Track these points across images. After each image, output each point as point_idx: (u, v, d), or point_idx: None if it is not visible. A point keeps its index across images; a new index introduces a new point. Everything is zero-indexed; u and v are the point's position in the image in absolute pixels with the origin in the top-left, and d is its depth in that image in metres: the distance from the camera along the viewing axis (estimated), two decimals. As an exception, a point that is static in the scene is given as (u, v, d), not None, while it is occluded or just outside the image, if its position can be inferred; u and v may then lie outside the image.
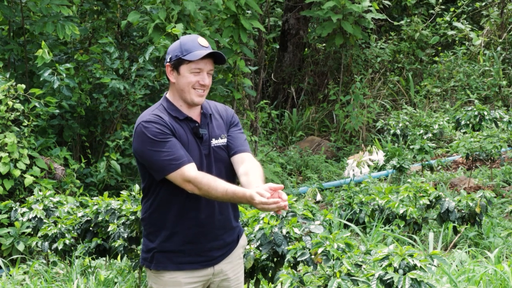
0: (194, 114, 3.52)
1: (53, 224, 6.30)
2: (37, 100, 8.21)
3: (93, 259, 6.55)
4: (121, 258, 6.20)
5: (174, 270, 3.48)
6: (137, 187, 5.90)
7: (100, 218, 5.88)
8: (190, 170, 3.33)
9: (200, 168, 3.42)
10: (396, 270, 3.93)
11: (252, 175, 3.40)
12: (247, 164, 3.47)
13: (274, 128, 13.24)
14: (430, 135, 10.57)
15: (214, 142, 3.51)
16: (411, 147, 10.21)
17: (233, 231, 3.61)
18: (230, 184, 3.32)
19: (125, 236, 5.54)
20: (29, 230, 7.08)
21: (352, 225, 6.89)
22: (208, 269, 3.54)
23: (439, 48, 15.75)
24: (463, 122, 10.08)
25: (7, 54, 9.31)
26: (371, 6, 12.74)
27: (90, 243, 5.99)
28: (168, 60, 3.47)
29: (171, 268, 3.48)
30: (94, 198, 6.19)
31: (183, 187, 3.34)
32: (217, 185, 3.29)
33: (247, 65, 11.41)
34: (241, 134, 3.62)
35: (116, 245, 5.53)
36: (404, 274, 3.90)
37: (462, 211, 6.92)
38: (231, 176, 3.54)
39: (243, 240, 3.71)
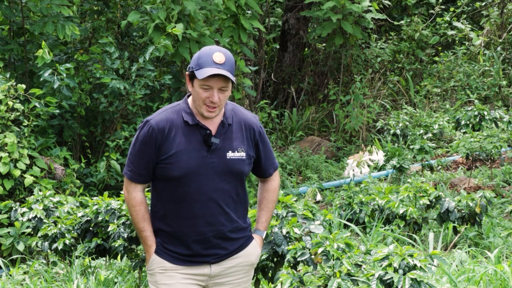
0: (211, 121, 3.49)
1: (53, 224, 6.30)
2: (37, 100, 8.21)
3: (93, 259, 6.55)
4: (121, 258, 6.20)
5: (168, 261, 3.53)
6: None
7: (100, 218, 5.88)
8: (135, 189, 3.52)
9: (198, 175, 3.43)
10: (396, 270, 3.93)
11: (261, 209, 3.71)
12: (263, 194, 3.73)
13: (274, 128, 13.24)
14: (430, 135, 10.57)
15: (230, 154, 3.48)
16: (411, 147, 10.21)
17: (235, 241, 3.58)
18: (149, 226, 3.53)
19: (125, 236, 5.54)
20: (29, 230, 7.08)
21: (352, 225, 6.89)
22: (205, 269, 3.53)
23: (439, 48, 15.75)
24: (463, 122, 10.08)
25: (7, 54, 9.31)
26: (371, 6, 12.74)
27: (90, 243, 5.99)
28: (188, 69, 3.47)
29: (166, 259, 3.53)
30: (94, 198, 6.18)
31: (123, 191, 3.58)
32: (139, 220, 3.52)
33: (247, 65, 11.41)
34: (269, 151, 3.66)
35: (116, 245, 5.53)
36: (404, 274, 3.90)
37: (462, 211, 6.92)
38: (240, 188, 3.54)
39: (251, 249, 3.63)
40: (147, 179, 3.51)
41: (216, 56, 3.39)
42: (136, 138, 3.49)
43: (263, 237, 3.72)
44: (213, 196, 3.45)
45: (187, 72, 3.48)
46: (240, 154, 3.50)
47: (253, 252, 3.61)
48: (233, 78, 3.41)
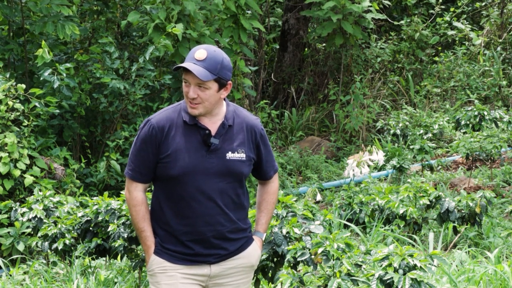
0: (210, 121, 3.47)
1: (53, 224, 6.30)
2: (37, 100, 8.21)
3: (93, 259, 6.55)
4: (121, 258, 6.21)
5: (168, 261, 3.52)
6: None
7: (100, 218, 5.88)
8: (136, 188, 3.52)
9: (196, 174, 3.42)
10: (396, 270, 3.93)
11: (261, 211, 3.70)
12: (263, 196, 3.72)
13: (274, 128, 13.23)
14: (430, 135, 10.57)
15: (230, 155, 3.46)
16: (411, 147, 10.21)
17: (236, 242, 3.56)
18: (149, 227, 3.51)
19: (125, 236, 5.54)
20: (29, 230, 7.08)
21: (352, 225, 6.89)
22: (204, 269, 3.52)
23: (439, 48, 15.75)
24: (463, 122, 10.08)
25: (7, 54, 9.31)
26: (371, 6, 12.74)
27: (90, 243, 5.99)
28: None
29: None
30: (94, 198, 6.18)
31: (124, 190, 3.62)
32: (139, 220, 3.51)
33: (247, 65, 11.41)
34: (270, 154, 3.65)
35: (116, 245, 5.53)
36: (404, 274, 3.90)
37: (462, 211, 6.92)
38: (240, 189, 3.53)
39: (251, 250, 3.61)
40: (148, 179, 3.50)
41: (198, 53, 3.37)
42: (137, 137, 3.50)
43: (263, 239, 3.71)
44: (212, 196, 3.45)
45: None
46: (240, 155, 3.49)
47: (254, 253, 3.60)
48: (204, 77, 3.33)
